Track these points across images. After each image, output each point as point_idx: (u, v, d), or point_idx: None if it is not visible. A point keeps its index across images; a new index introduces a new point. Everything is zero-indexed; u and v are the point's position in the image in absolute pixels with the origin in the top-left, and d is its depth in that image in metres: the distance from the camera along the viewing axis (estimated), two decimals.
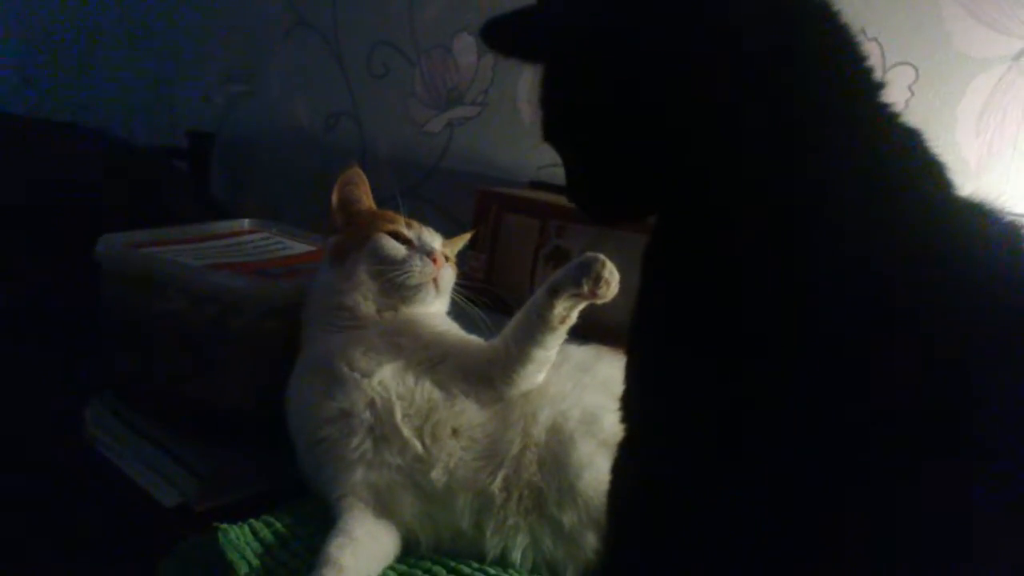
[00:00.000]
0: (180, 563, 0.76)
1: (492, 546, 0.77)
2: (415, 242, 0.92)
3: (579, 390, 0.84)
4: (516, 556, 0.76)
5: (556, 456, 0.78)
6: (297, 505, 0.83)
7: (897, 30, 0.98)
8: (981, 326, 0.44)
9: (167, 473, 0.91)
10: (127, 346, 1.05)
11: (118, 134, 1.80)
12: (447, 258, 0.94)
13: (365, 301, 0.89)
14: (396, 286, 0.88)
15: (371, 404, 0.81)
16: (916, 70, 0.99)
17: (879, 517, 0.43)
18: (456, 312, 0.95)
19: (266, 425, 0.88)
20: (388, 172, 1.59)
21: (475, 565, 0.76)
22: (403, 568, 0.76)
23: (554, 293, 0.78)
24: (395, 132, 1.62)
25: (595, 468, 0.76)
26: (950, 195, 0.49)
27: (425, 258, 0.89)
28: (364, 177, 0.98)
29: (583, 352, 0.89)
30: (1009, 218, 0.48)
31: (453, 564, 0.76)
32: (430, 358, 0.84)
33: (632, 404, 0.55)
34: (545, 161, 1.29)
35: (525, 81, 1.38)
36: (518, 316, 0.83)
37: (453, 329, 0.91)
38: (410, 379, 0.82)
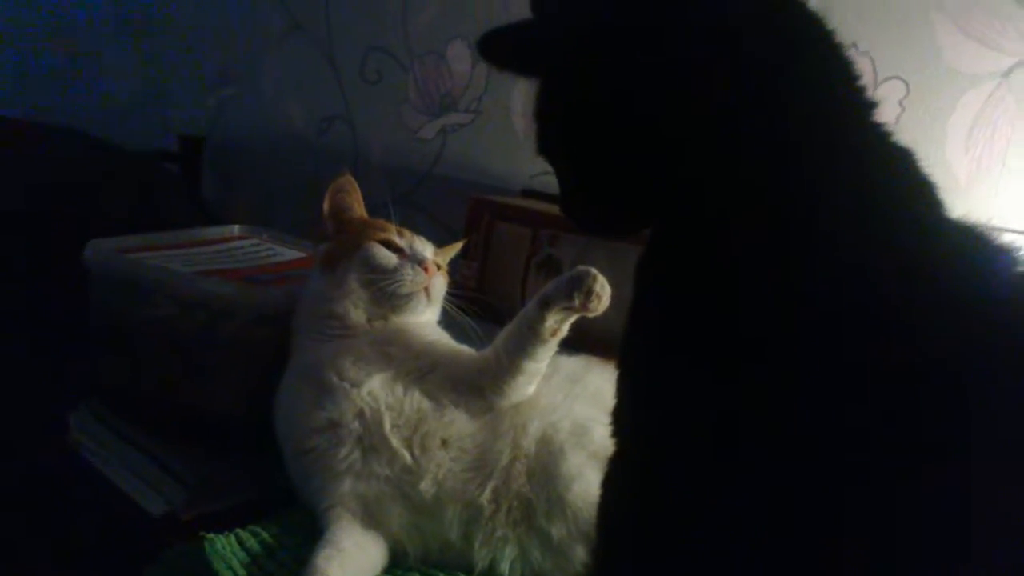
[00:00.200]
0: (166, 572, 0.76)
1: (480, 558, 0.77)
2: (406, 251, 0.92)
3: (569, 401, 0.84)
4: (504, 568, 0.76)
5: (545, 467, 0.78)
6: (284, 515, 0.82)
7: (889, 45, 0.99)
8: (971, 341, 0.44)
9: (153, 481, 0.90)
10: (115, 352, 1.04)
11: (109, 137, 1.79)
12: (438, 267, 0.94)
13: (355, 310, 0.88)
14: (387, 295, 0.88)
15: (360, 414, 0.80)
16: (907, 85, 1.00)
17: (877, 534, 0.43)
18: (447, 321, 0.95)
19: (254, 433, 0.87)
20: (380, 178, 1.59)
21: None
22: None
23: (545, 306, 0.79)
24: (388, 138, 1.61)
25: (584, 480, 0.76)
26: (940, 215, 0.49)
27: (416, 267, 0.89)
28: (356, 185, 0.98)
29: (573, 363, 0.89)
30: (998, 239, 0.48)
31: (441, 575, 0.76)
32: (420, 368, 0.84)
33: (624, 418, 0.55)
34: (538, 169, 1.30)
35: (519, 89, 1.38)
36: (509, 327, 0.82)
37: (443, 339, 0.91)
38: (399, 389, 0.82)
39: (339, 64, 1.69)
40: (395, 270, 0.88)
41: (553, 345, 0.82)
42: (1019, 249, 0.47)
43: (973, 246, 0.47)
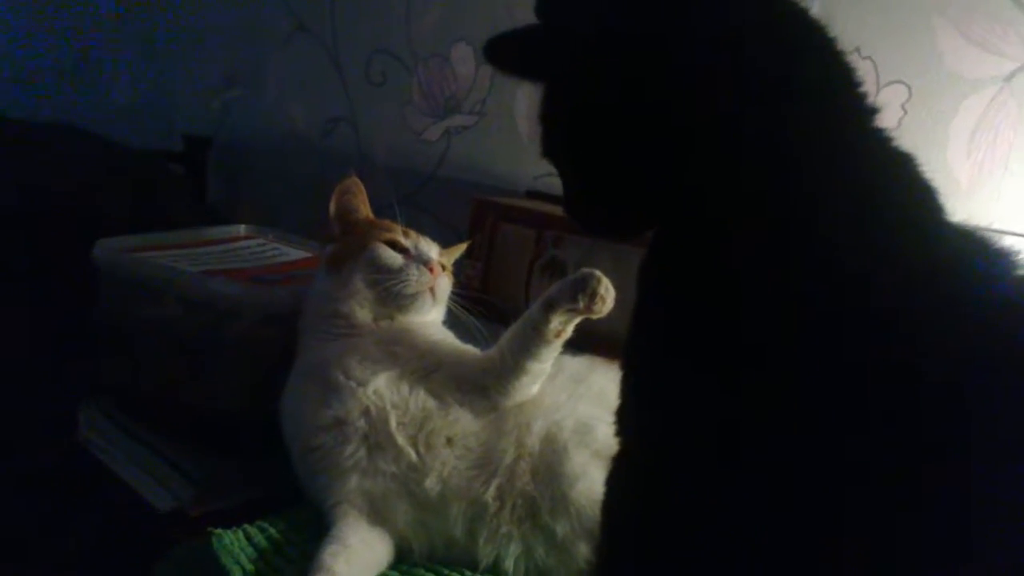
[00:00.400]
0: (174, 568, 0.77)
1: (485, 554, 0.77)
2: (412, 251, 0.92)
3: (573, 401, 0.84)
4: (509, 564, 0.77)
5: (549, 466, 0.79)
6: (291, 511, 0.83)
7: (891, 49, 0.99)
8: (971, 345, 0.44)
9: (161, 477, 0.91)
10: (123, 350, 1.05)
11: (114, 138, 1.80)
12: (444, 267, 0.94)
13: (361, 309, 0.89)
14: (392, 295, 0.89)
15: (366, 412, 0.81)
16: (909, 89, 1.00)
17: (878, 535, 0.43)
18: (451, 321, 0.96)
19: (261, 431, 0.88)
20: (385, 179, 1.60)
21: (468, 573, 0.77)
22: (396, 575, 0.76)
23: (550, 308, 0.79)
24: (392, 140, 1.62)
25: (588, 478, 0.77)
26: (941, 219, 0.50)
27: (422, 267, 0.90)
28: (362, 186, 0.99)
29: (577, 363, 0.89)
30: (998, 243, 0.48)
31: (446, 572, 0.77)
32: (425, 367, 0.85)
33: (628, 418, 0.56)
34: (541, 171, 1.30)
35: (523, 92, 1.38)
36: (514, 328, 0.83)
37: (448, 338, 0.91)
38: (405, 388, 0.83)
39: (344, 66, 1.70)
40: (401, 270, 0.89)
41: (557, 346, 0.82)
42: (1019, 253, 0.48)
43: (973, 250, 0.48)
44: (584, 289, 0.77)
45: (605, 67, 0.52)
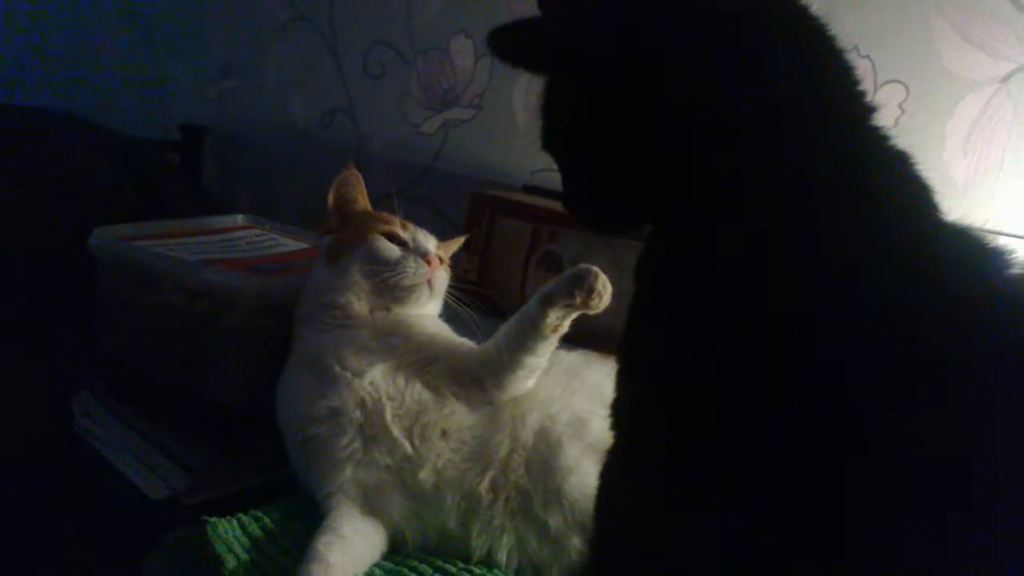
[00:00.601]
0: (167, 556, 0.77)
1: (478, 546, 0.78)
2: (410, 243, 0.93)
3: (568, 395, 0.85)
4: (502, 557, 0.77)
5: (544, 459, 0.79)
6: (286, 501, 0.83)
7: (889, 49, 1.00)
8: (965, 341, 0.45)
9: (156, 466, 0.91)
10: (119, 339, 1.05)
11: (112, 126, 1.79)
12: (441, 260, 0.94)
13: (358, 301, 0.89)
14: (390, 287, 0.89)
15: (361, 403, 0.81)
16: (907, 88, 1.01)
17: (877, 529, 0.43)
18: (448, 315, 0.96)
19: (256, 421, 0.88)
20: (382, 171, 1.60)
21: (461, 565, 0.77)
22: (390, 566, 0.77)
23: (547, 303, 0.80)
24: (390, 131, 1.62)
25: (582, 471, 0.77)
26: (936, 217, 0.50)
27: (419, 260, 0.90)
28: (360, 178, 0.99)
29: (573, 357, 0.90)
30: (992, 242, 0.49)
31: (439, 563, 0.77)
32: (421, 359, 0.85)
33: (622, 411, 0.56)
34: (539, 165, 1.30)
35: (521, 85, 1.39)
36: (510, 322, 0.84)
37: (445, 331, 0.92)
38: (401, 380, 0.83)
39: (342, 57, 1.70)
40: (398, 262, 0.89)
41: (554, 341, 0.83)
42: (1012, 252, 0.48)
43: (968, 248, 0.48)
44: (581, 285, 0.78)
45: (604, 62, 0.53)
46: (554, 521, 0.77)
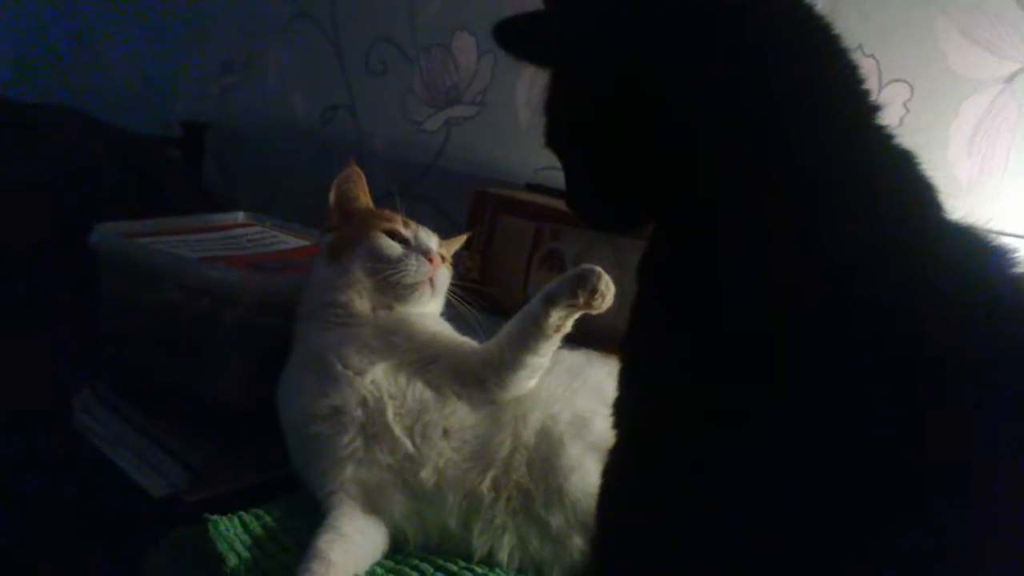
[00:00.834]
0: (168, 554, 0.77)
1: (479, 545, 0.78)
2: (412, 241, 0.92)
3: (570, 394, 0.84)
4: (503, 556, 0.77)
5: (545, 458, 0.79)
6: (287, 499, 0.83)
7: (894, 48, 0.99)
8: (967, 340, 0.44)
9: (157, 463, 0.91)
10: (120, 335, 1.05)
11: (113, 122, 1.79)
12: (443, 259, 0.94)
13: (360, 299, 0.89)
14: (391, 285, 0.89)
15: (363, 402, 0.81)
16: (911, 88, 1.00)
17: (877, 529, 0.43)
18: (450, 313, 0.96)
19: (257, 418, 0.88)
20: (383, 169, 1.60)
21: (462, 563, 0.77)
22: (391, 565, 0.76)
23: (550, 302, 0.79)
24: (392, 129, 1.62)
25: (583, 471, 0.77)
26: (940, 216, 0.50)
27: (421, 258, 0.90)
28: (362, 176, 0.99)
29: (575, 357, 0.89)
30: (995, 241, 0.49)
31: (440, 562, 0.77)
32: (423, 358, 0.85)
33: (625, 410, 0.56)
34: (542, 164, 1.30)
35: (524, 83, 1.38)
36: (513, 321, 0.83)
37: (446, 330, 0.91)
38: (402, 379, 0.83)
39: (344, 54, 1.69)
40: (400, 260, 0.89)
41: (556, 340, 0.83)
42: (1015, 251, 0.48)
43: (971, 247, 0.48)
44: (584, 285, 0.78)
45: (607, 60, 0.52)
46: (556, 520, 0.76)
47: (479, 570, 0.76)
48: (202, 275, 0.96)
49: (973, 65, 0.97)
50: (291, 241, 1.20)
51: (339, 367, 0.83)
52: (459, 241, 1.07)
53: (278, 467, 0.86)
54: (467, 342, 0.89)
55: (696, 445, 0.49)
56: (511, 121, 1.42)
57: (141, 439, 0.94)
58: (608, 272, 0.78)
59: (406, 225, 0.94)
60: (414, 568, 0.76)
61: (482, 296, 0.96)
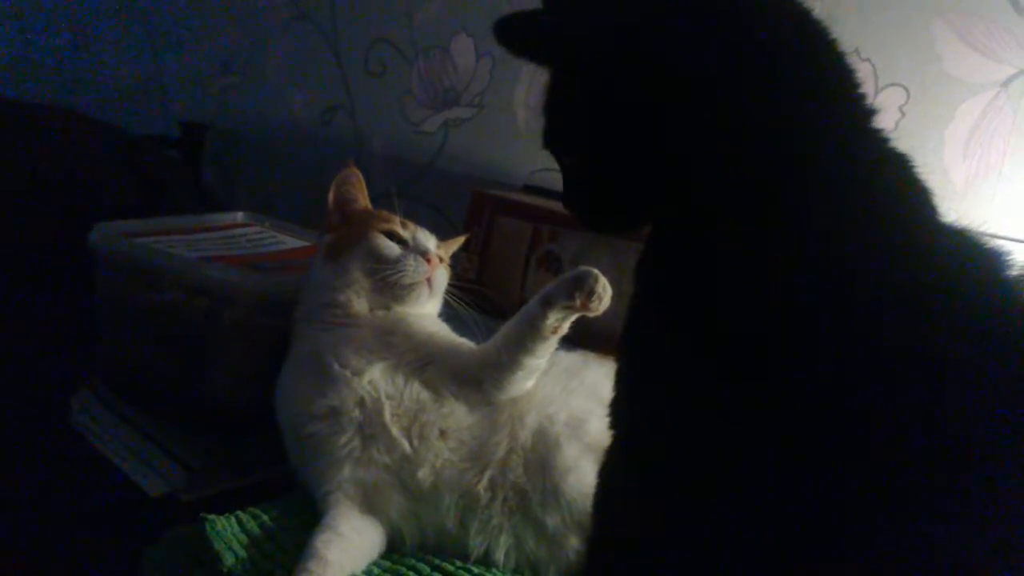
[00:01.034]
0: (165, 553, 0.77)
1: (476, 545, 0.78)
2: (410, 242, 0.93)
3: (566, 395, 0.85)
4: (499, 556, 0.77)
5: (541, 458, 0.79)
6: (284, 498, 0.83)
7: (890, 52, 1.00)
8: (960, 341, 0.45)
9: (154, 462, 0.91)
10: (118, 335, 1.05)
11: (112, 122, 1.79)
12: (441, 259, 0.95)
13: (358, 299, 0.89)
14: (389, 285, 0.89)
15: (360, 402, 0.81)
16: (907, 91, 1.01)
17: (874, 529, 0.43)
18: (447, 314, 0.96)
19: (255, 418, 0.88)
20: (382, 170, 1.60)
21: (458, 564, 0.77)
22: (387, 564, 0.77)
23: (547, 304, 0.80)
24: (390, 130, 1.62)
25: (580, 471, 0.77)
26: (934, 219, 0.50)
27: (419, 258, 0.90)
28: (361, 176, 0.99)
29: (571, 358, 0.90)
30: (989, 243, 0.49)
31: (437, 562, 0.77)
32: (420, 359, 0.85)
33: (621, 410, 0.56)
34: (540, 165, 1.31)
35: (522, 85, 1.39)
36: (510, 323, 0.84)
37: (444, 331, 0.92)
38: (400, 379, 0.83)
39: (343, 55, 1.70)
40: (398, 261, 0.89)
41: (553, 342, 0.83)
42: (1010, 253, 0.48)
43: (966, 250, 0.49)
44: (581, 287, 0.78)
45: (607, 62, 0.53)
46: (552, 520, 0.77)
47: (475, 570, 0.76)
48: (201, 275, 0.96)
49: (969, 69, 0.97)
50: (290, 241, 1.21)
51: (337, 367, 0.83)
52: (457, 242, 1.07)
53: (275, 467, 0.87)
54: (464, 343, 0.89)
55: (693, 445, 0.50)
56: (509, 123, 1.42)
57: (139, 438, 0.95)
58: (605, 274, 0.79)
59: (404, 226, 0.94)
60: (411, 568, 0.76)
61: (479, 297, 0.96)
